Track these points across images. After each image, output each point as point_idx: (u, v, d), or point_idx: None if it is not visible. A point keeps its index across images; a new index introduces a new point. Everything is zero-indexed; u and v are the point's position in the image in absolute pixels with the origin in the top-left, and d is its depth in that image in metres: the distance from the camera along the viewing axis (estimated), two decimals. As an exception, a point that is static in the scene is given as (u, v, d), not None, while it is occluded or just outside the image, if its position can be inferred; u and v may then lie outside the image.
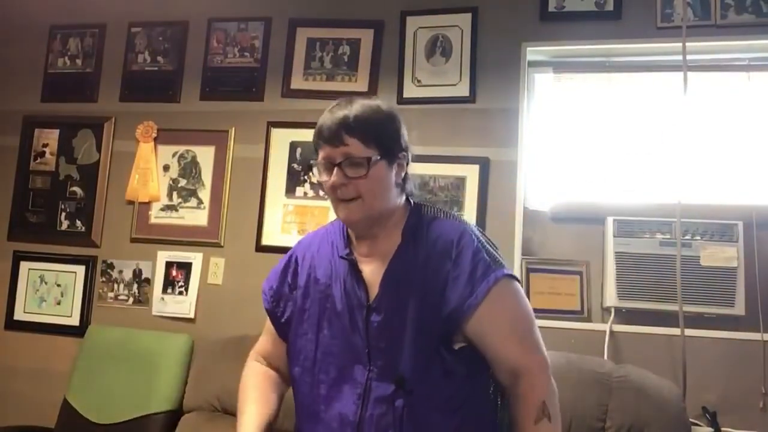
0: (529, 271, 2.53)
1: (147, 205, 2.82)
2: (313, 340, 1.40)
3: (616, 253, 2.38)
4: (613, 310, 2.38)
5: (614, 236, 2.39)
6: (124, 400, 2.44)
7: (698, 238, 2.34)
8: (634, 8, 2.48)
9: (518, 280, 1.38)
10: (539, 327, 1.37)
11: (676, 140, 2.45)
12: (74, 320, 2.81)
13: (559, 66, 2.68)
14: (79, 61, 3.02)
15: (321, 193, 2.55)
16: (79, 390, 2.54)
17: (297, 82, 2.75)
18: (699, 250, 2.33)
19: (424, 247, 1.36)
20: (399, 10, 2.68)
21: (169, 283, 2.74)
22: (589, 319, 2.48)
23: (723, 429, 2.16)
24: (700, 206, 2.37)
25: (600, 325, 2.40)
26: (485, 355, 1.34)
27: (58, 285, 2.87)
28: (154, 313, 2.74)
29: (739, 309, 2.28)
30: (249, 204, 2.71)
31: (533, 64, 2.64)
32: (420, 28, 2.65)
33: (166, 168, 2.83)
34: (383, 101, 1.42)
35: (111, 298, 2.81)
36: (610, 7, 2.49)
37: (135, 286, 2.79)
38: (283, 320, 1.48)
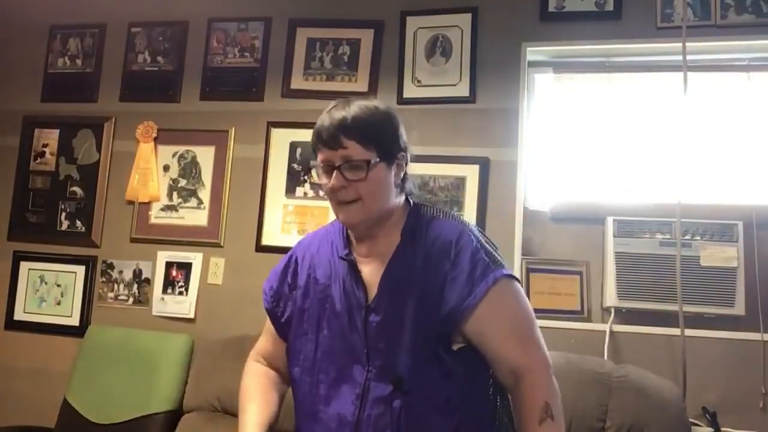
0: (529, 271, 2.53)
1: (147, 205, 2.82)
2: (313, 340, 1.40)
3: (616, 253, 2.38)
4: (613, 310, 2.38)
5: (614, 236, 2.39)
6: (124, 400, 2.44)
7: (698, 238, 2.34)
8: (634, 8, 2.48)
9: (518, 280, 1.38)
10: (539, 327, 1.37)
11: (676, 140, 2.45)
12: (74, 320, 2.81)
13: (559, 66, 2.68)
14: (79, 61, 3.02)
15: (321, 193, 2.55)
16: (79, 390, 2.54)
17: (297, 82, 2.75)
18: (699, 250, 2.33)
19: (423, 247, 1.36)
20: (399, 10, 2.68)
21: (169, 283, 2.74)
22: (589, 319, 2.48)
23: (723, 429, 2.16)
24: (700, 206, 2.37)
25: (600, 325, 2.40)
26: (485, 356, 1.34)
27: (58, 285, 2.87)
28: (154, 313, 2.74)
29: (739, 309, 2.28)
30: (249, 204, 2.71)
31: (533, 64, 2.64)
32: (420, 28, 2.65)
33: (166, 168, 2.83)
34: (381, 101, 1.42)
35: (111, 298, 2.81)
36: (610, 7, 2.49)
37: (135, 286, 2.79)
38: (283, 320, 1.48)
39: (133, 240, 2.81)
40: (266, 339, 1.57)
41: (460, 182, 2.53)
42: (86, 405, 2.49)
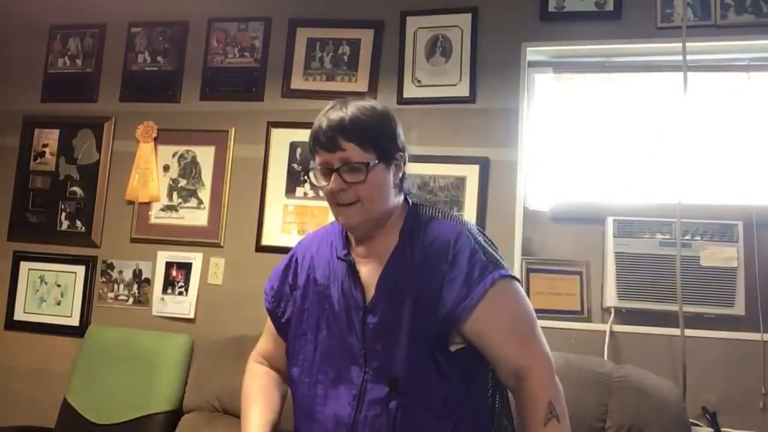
0: (529, 271, 2.53)
1: (147, 205, 2.81)
2: (312, 341, 1.40)
3: (616, 253, 2.38)
4: (613, 310, 2.38)
5: (614, 236, 2.39)
6: (124, 400, 2.44)
7: (698, 238, 2.34)
8: (634, 8, 2.48)
9: (518, 280, 1.37)
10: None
11: (676, 140, 2.45)
12: (74, 320, 2.81)
13: (559, 66, 2.67)
14: (79, 61, 3.02)
15: (321, 193, 2.54)
16: (79, 390, 2.54)
17: (297, 82, 2.75)
18: (699, 251, 2.33)
19: (421, 247, 1.35)
20: (399, 10, 2.68)
21: (169, 284, 2.74)
22: (589, 319, 2.48)
23: (723, 429, 2.16)
24: (700, 206, 2.37)
25: (600, 325, 2.40)
26: (486, 357, 1.33)
27: (58, 285, 2.86)
28: (154, 313, 2.74)
29: (739, 309, 2.28)
30: (249, 204, 2.71)
31: (533, 64, 2.64)
32: (420, 28, 2.65)
33: (166, 168, 2.83)
34: (377, 101, 1.41)
35: (111, 298, 2.81)
36: (610, 7, 2.49)
37: (135, 286, 2.79)
38: (283, 320, 1.48)
39: (133, 240, 2.81)
40: (267, 339, 1.57)
41: (460, 182, 2.53)
42: (86, 405, 2.49)
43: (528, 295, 1.42)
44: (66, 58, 3.03)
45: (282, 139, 2.72)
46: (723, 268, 2.31)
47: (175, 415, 2.40)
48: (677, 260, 2.28)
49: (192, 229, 2.76)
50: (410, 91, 2.63)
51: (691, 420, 2.09)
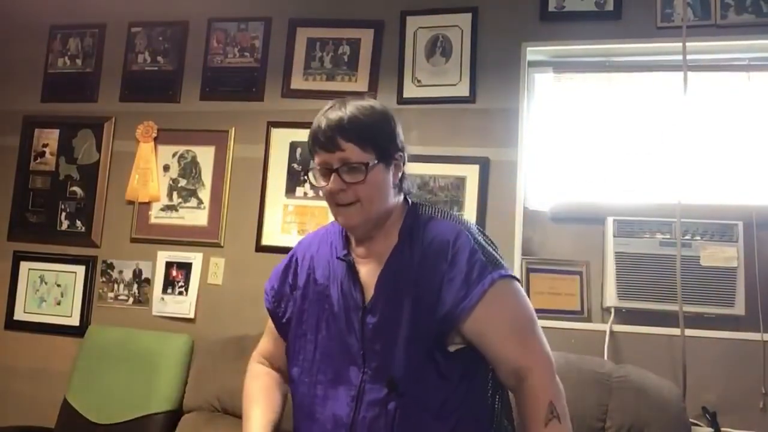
0: (529, 271, 2.53)
1: (147, 205, 2.81)
2: (312, 341, 1.40)
3: (616, 253, 2.38)
4: (613, 310, 2.38)
5: (614, 236, 2.39)
6: (124, 400, 2.44)
7: (698, 238, 2.34)
8: (634, 8, 2.48)
9: (518, 280, 1.37)
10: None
11: (676, 140, 2.45)
12: (74, 320, 2.81)
13: (559, 66, 2.67)
14: (79, 61, 3.02)
15: (320, 193, 2.54)
16: (79, 390, 2.54)
17: (297, 82, 2.75)
18: (699, 250, 2.33)
19: (420, 247, 1.34)
20: (399, 10, 2.68)
21: (169, 283, 2.74)
22: (589, 319, 2.48)
23: (723, 429, 2.16)
24: (700, 206, 2.37)
25: (600, 325, 2.40)
26: (486, 357, 1.33)
27: (58, 285, 2.86)
28: (154, 313, 2.74)
29: (739, 309, 2.28)
30: (249, 204, 2.71)
31: (533, 64, 2.64)
32: (420, 28, 2.65)
33: (166, 168, 2.83)
34: (377, 101, 1.40)
35: (111, 298, 2.81)
36: (610, 7, 2.49)
37: (135, 286, 2.79)
38: (284, 320, 1.48)
39: (133, 240, 2.81)
40: (268, 339, 1.57)
41: (460, 182, 2.53)
42: (86, 405, 2.49)
43: (528, 295, 1.41)
44: (66, 58, 3.03)
45: (282, 139, 2.72)
46: (723, 268, 2.31)
47: (175, 415, 2.40)
48: (677, 260, 2.28)
49: (192, 229, 2.76)
50: (410, 90, 2.63)
51: (691, 420, 2.09)
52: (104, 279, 2.82)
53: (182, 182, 2.80)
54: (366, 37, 2.71)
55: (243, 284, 2.64)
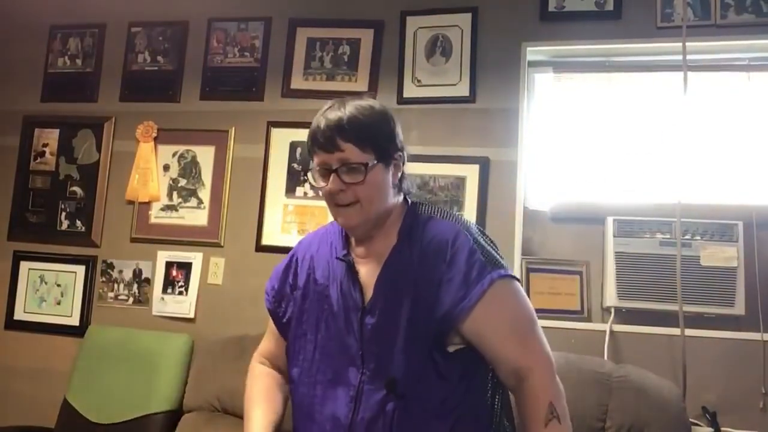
0: (529, 271, 2.53)
1: (147, 205, 2.81)
2: (312, 341, 1.40)
3: (616, 253, 2.38)
4: (613, 310, 2.38)
5: (614, 236, 2.39)
6: (124, 400, 2.44)
7: (698, 238, 2.34)
8: (634, 8, 2.48)
9: (518, 280, 1.36)
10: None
11: (676, 140, 2.45)
12: (74, 320, 2.81)
13: (559, 66, 2.67)
14: (79, 61, 3.02)
15: (320, 193, 2.55)
16: (79, 390, 2.54)
17: (297, 82, 2.75)
18: (699, 250, 2.33)
19: (419, 247, 1.34)
20: (399, 10, 2.68)
21: (169, 283, 2.74)
22: (589, 319, 2.48)
23: (723, 429, 2.16)
24: (700, 206, 2.37)
25: (600, 325, 2.40)
26: (486, 357, 1.33)
27: (58, 285, 2.86)
28: (154, 313, 2.74)
29: (739, 309, 2.28)
30: (249, 204, 2.71)
31: (533, 64, 2.64)
32: (420, 28, 2.65)
33: (166, 168, 2.83)
34: (376, 101, 1.40)
35: (111, 298, 2.81)
36: (610, 6, 2.49)
37: (135, 286, 2.79)
38: (284, 320, 1.48)
39: (133, 240, 2.81)
40: (269, 340, 1.57)
41: (460, 182, 2.53)
42: (86, 405, 2.49)
43: (528, 295, 1.41)
44: (66, 58, 3.03)
45: (282, 139, 2.72)
46: (723, 268, 2.31)
47: (175, 415, 2.40)
48: (677, 260, 2.28)
49: (192, 228, 2.76)
50: (410, 90, 2.63)
51: (691, 420, 2.09)
52: (104, 279, 2.82)
53: (182, 182, 2.80)
54: (366, 37, 2.70)
55: (243, 284, 2.64)
